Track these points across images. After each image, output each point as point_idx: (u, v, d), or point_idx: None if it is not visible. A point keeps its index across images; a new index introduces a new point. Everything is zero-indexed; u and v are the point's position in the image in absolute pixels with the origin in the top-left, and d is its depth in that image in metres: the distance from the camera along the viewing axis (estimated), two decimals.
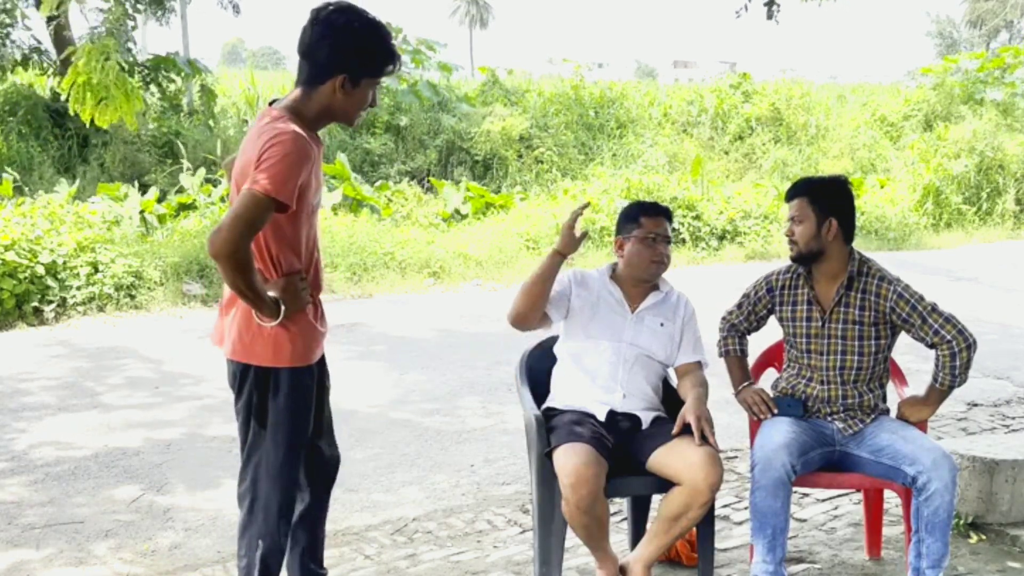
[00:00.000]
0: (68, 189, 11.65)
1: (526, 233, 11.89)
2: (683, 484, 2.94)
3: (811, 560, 3.57)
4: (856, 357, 3.22)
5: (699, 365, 3.32)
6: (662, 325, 3.30)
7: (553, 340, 3.45)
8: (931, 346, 3.19)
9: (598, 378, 3.22)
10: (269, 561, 2.69)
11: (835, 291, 3.24)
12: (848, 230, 3.26)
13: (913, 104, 18.94)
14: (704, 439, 2.97)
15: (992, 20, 48.10)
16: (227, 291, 2.65)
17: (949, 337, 3.14)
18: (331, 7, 2.55)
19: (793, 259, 3.31)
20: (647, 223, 3.29)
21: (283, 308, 2.53)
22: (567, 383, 3.29)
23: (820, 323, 3.26)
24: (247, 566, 2.70)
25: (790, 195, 3.33)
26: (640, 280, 3.33)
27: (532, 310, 3.19)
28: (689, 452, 2.96)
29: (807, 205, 3.24)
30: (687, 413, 3.05)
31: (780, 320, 3.38)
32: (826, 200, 3.25)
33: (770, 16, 5.35)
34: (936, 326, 3.15)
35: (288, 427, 2.65)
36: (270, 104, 2.63)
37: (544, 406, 3.28)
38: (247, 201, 2.39)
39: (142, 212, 11.18)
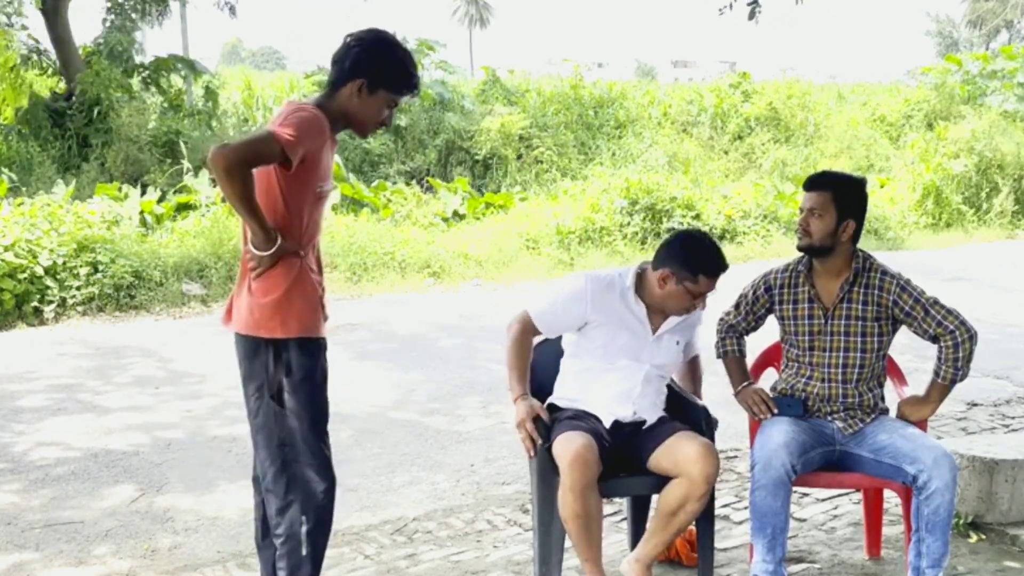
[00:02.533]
0: (68, 189, 11.64)
1: (526, 233, 11.86)
2: (679, 477, 2.95)
3: (811, 560, 3.57)
4: (859, 354, 3.22)
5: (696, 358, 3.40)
6: (678, 343, 3.30)
7: (555, 339, 3.44)
8: (933, 338, 3.19)
9: (611, 393, 3.20)
10: (318, 535, 2.78)
11: (839, 288, 3.24)
12: (859, 232, 3.27)
13: (913, 104, 18.92)
14: (701, 432, 3.06)
15: (992, 20, 48.15)
16: (240, 269, 2.79)
17: (952, 327, 3.14)
18: (367, 29, 2.84)
19: (801, 249, 3.28)
20: (703, 283, 3.12)
21: (279, 241, 2.64)
22: (576, 390, 3.26)
23: (823, 320, 3.25)
24: (291, 548, 2.76)
25: (813, 185, 3.26)
26: (664, 313, 3.26)
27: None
28: (684, 445, 2.99)
29: (830, 201, 3.19)
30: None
31: (780, 319, 3.37)
32: (848, 200, 3.22)
33: (751, 17, 5.38)
34: (939, 317, 3.15)
35: (307, 401, 2.74)
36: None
37: (546, 403, 3.27)
38: (257, 134, 2.61)
39: (142, 212, 11.16)
